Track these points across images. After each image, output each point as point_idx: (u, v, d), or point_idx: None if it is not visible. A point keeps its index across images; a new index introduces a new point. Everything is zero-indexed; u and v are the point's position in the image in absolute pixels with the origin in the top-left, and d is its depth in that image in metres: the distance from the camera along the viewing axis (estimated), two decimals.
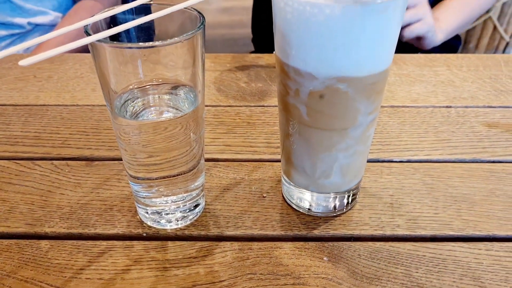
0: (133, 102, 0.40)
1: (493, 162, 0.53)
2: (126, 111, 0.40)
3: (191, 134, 0.41)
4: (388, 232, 0.44)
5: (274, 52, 0.41)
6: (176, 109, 0.41)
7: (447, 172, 0.51)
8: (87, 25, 0.36)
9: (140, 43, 0.35)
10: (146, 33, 0.41)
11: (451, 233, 0.44)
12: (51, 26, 1.05)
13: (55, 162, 0.53)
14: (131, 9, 0.40)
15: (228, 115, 0.60)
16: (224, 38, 2.90)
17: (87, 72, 0.71)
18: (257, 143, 0.55)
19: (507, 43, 2.67)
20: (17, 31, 1.02)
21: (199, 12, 0.38)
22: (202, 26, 0.36)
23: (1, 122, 0.60)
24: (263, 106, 0.62)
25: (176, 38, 0.35)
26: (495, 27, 2.50)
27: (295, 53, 0.36)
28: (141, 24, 0.37)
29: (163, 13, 0.37)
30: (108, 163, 0.52)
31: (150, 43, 0.35)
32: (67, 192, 0.49)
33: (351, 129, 0.40)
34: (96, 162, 0.53)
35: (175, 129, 0.39)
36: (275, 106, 0.62)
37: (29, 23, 1.02)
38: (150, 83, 0.39)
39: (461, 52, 2.58)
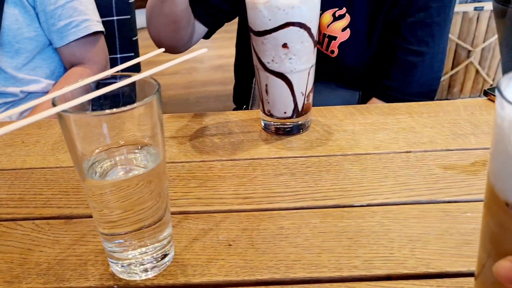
0: (100, 163, 0.44)
1: (448, 202, 0.56)
2: (95, 172, 0.44)
3: (155, 189, 0.44)
4: (346, 273, 0.47)
5: (488, 181, 0.34)
6: (142, 167, 0.45)
7: (404, 214, 0.54)
8: (55, 97, 0.40)
9: (101, 111, 0.39)
10: (128, 98, 0.46)
11: (405, 271, 0.47)
12: (44, 93, 1.12)
13: (36, 221, 0.56)
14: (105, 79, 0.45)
15: (201, 170, 0.64)
16: (218, 94, 3.00)
17: None
18: (226, 195, 0.59)
19: (491, 85, 2.75)
20: (10, 99, 1.08)
21: (155, 80, 0.43)
22: (157, 92, 0.41)
23: None
24: (234, 159, 0.66)
25: (134, 104, 0.40)
26: (477, 71, 2.59)
27: None
28: (109, 92, 0.42)
29: (125, 82, 0.42)
30: (85, 220, 0.56)
31: (110, 111, 0.39)
32: (46, 249, 0.52)
33: None
34: (74, 220, 0.56)
35: (139, 185, 0.43)
36: (245, 159, 0.66)
37: (21, 92, 1.08)
38: (115, 146, 0.43)
39: (447, 97, 2.66)
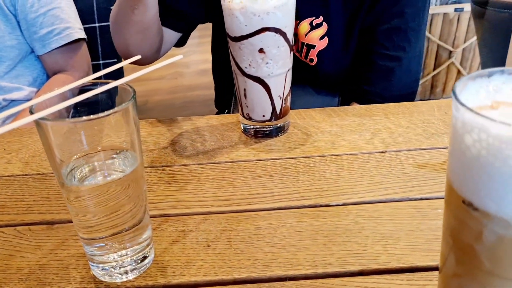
0: (78, 169, 0.45)
1: (420, 199, 0.58)
2: (74, 178, 0.45)
3: (134, 192, 0.45)
4: (320, 270, 0.48)
5: (447, 180, 0.36)
6: (120, 171, 0.46)
7: (377, 212, 0.56)
8: (32, 105, 0.41)
9: (78, 118, 0.41)
10: (106, 105, 0.47)
11: (377, 267, 0.48)
12: (27, 101, 1.12)
13: (18, 228, 0.57)
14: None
15: (182, 174, 0.66)
16: (204, 98, 3.01)
17: None
18: (206, 197, 0.60)
19: None
20: None
21: (131, 86, 0.44)
22: (132, 98, 0.42)
23: None
24: (214, 163, 0.68)
25: (110, 110, 0.41)
26: (459, 71, 2.63)
27: (485, 193, 0.31)
28: (88, 100, 0.43)
29: (102, 89, 0.43)
30: (67, 225, 0.57)
31: (87, 117, 0.40)
32: (27, 255, 0.52)
33: None
34: (56, 225, 0.57)
35: (117, 190, 0.44)
36: (225, 162, 0.68)
37: (4, 99, 1.08)
38: (92, 152, 0.44)
39: (429, 97, 2.70)
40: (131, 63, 0.52)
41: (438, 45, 2.56)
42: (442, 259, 0.38)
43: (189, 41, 1.02)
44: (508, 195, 0.30)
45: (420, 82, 2.66)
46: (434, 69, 2.63)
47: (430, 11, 2.49)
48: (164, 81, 3.21)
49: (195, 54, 3.43)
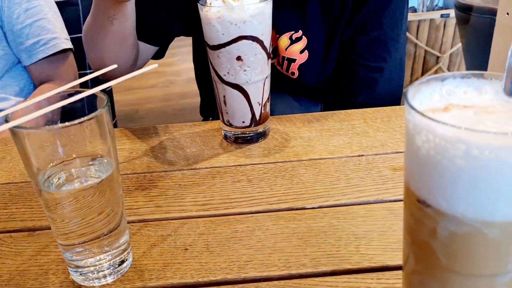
0: (55, 176, 0.46)
1: (394, 201, 0.59)
2: (51, 185, 0.46)
3: (110, 198, 0.47)
4: (294, 271, 0.50)
5: (404, 180, 0.37)
6: (95, 177, 0.47)
7: (352, 214, 0.57)
8: (8, 114, 0.43)
9: (52, 126, 0.42)
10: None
11: (349, 267, 0.50)
12: None
13: None
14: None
15: (162, 179, 0.67)
16: (195, 106, 3.02)
17: None
18: (185, 202, 0.61)
19: None
20: None
21: (105, 94, 0.45)
22: (106, 105, 0.44)
23: None
24: (195, 169, 0.69)
25: (84, 118, 0.42)
26: None
27: (436, 191, 0.32)
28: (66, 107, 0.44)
29: (76, 97, 0.45)
30: (48, 232, 0.58)
31: (63, 124, 0.42)
32: (8, 261, 0.53)
33: (500, 276, 0.34)
34: (38, 232, 0.58)
35: (93, 195, 0.45)
36: (205, 168, 0.69)
37: None
38: (68, 159, 0.46)
39: None
40: (101, 76, 0.53)
41: (426, 51, 2.59)
42: (404, 257, 0.40)
43: (180, 49, 1.03)
44: (458, 192, 0.31)
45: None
46: (422, 74, 2.67)
47: (417, 17, 2.53)
48: (156, 89, 3.22)
49: (186, 62, 3.44)
